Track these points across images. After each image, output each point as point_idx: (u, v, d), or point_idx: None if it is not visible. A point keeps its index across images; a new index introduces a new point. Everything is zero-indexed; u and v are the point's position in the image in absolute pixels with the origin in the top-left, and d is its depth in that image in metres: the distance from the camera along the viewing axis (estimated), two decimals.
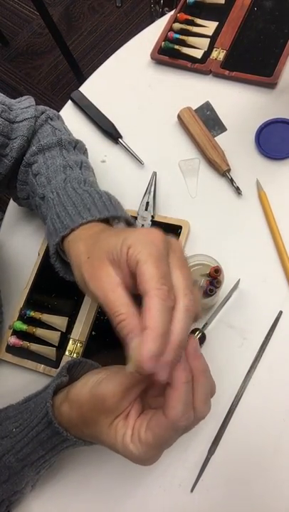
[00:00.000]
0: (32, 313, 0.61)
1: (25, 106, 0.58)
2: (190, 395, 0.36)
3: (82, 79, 1.82)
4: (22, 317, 0.62)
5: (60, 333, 0.60)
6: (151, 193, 0.66)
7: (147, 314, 0.33)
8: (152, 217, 0.65)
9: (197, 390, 0.37)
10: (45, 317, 0.61)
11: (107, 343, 0.60)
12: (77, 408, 0.41)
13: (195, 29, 0.76)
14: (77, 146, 0.59)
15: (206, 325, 0.58)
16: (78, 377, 0.46)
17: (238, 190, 0.65)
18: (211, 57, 0.74)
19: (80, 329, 0.60)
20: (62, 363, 0.58)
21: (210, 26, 0.76)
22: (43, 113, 0.59)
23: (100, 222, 0.47)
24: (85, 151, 0.62)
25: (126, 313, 0.35)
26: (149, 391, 0.40)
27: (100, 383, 0.40)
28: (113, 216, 0.47)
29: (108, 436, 0.39)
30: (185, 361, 0.37)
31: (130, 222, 0.49)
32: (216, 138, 0.69)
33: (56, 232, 0.47)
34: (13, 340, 0.60)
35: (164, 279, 0.35)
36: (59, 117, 0.64)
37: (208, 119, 0.71)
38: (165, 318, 0.34)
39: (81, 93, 0.77)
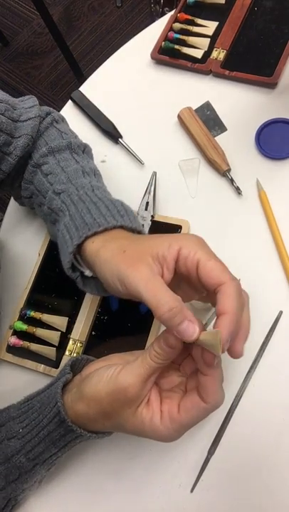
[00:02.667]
0: (32, 313, 0.61)
1: (29, 105, 0.58)
2: (222, 377, 0.40)
3: (82, 79, 1.82)
4: (22, 317, 0.62)
5: (60, 333, 0.60)
6: (151, 193, 0.66)
7: (228, 300, 0.38)
8: (152, 217, 0.65)
9: None
10: (46, 317, 0.61)
11: (107, 343, 0.60)
12: (95, 404, 0.42)
13: (195, 29, 0.76)
14: (86, 150, 0.59)
15: (206, 325, 0.58)
16: (78, 372, 0.47)
17: (238, 190, 0.65)
18: (211, 57, 0.74)
19: (80, 329, 0.60)
20: (63, 363, 0.58)
21: (210, 26, 0.76)
22: (48, 114, 0.59)
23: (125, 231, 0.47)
24: (92, 156, 0.62)
25: (177, 302, 0.37)
26: (159, 374, 0.42)
27: (118, 377, 0.41)
28: (139, 230, 0.48)
29: (134, 424, 0.40)
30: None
31: None
32: (216, 138, 0.69)
33: (84, 226, 0.45)
34: (13, 340, 0.60)
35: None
36: (63, 120, 0.63)
37: (208, 119, 0.71)
38: (241, 306, 0.39)
39: (81, 93, 0.77)
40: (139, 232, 0.48)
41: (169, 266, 0.40)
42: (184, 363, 0.44)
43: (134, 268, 0.39)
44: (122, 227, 0.46)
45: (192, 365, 0.43)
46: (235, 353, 0.39)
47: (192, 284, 0.42)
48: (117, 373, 0.41)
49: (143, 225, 0.64)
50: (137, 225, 0.47)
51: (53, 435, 0.44)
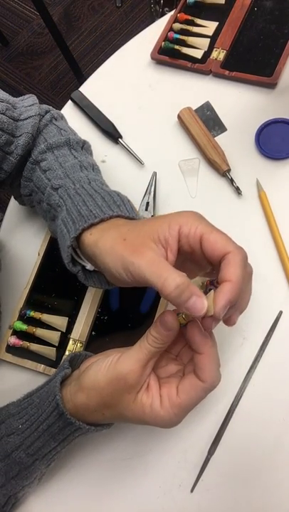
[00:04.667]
0: (32, 313, 0.61)
1: (28, 104, 0.59)
2: (218, 358, 0.41)
3: (82, 79, 1.82)
4: (22, 317, 0.62)
5: (60, 333, 0.60)
6: (152, 193, 0.66)
7: (232, 268, 0.38)
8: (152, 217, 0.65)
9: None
10: (45, 317, 0.61)
11: (107, 343, 0.60)
12: (95, 394, 0.42)
13: (195, 29, 0.76)
14: (85, 147, 0.59)
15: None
16: (77, 368, 0.48)
17: (238, 190, 0.65)
18: (211, 57, 0.74)
19: (80, 329, 0.60)
20: None
21: (210, 26, 0.76)
22: (47, 112, 0.59)
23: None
24: (91, 153, 0.62)
25: (183, 278, 0.36)
26: (157, 363, 0.43)
27: (116, 364, 0.41)
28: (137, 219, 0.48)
29: (134, 411, 0.41)
30: (203, 330, 0.40)
31: None
32: (216, 138, 0.69)
33: (80, 219, 0.45)
34: (13, 340, 0.60)
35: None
36: (62, 117, 0.63)
37: (208, 119, 0.71)
38: (246, 276, 0.39)
39: (81, 93, 0.77)
40: None
41: (172, 248, 0.40)
42: (180, 352, 0.45)
43: (137, 254, 0.39)
44: (118, 216, 0.46)
45: (189, 354, 0.44)
46: (228, 322, 0.40)
47: (196, 261, 0.42)
48: (115, 361, 0.41)
49: None
50: (134, 214, 0.47)
51: (52, 429, 0.44)
